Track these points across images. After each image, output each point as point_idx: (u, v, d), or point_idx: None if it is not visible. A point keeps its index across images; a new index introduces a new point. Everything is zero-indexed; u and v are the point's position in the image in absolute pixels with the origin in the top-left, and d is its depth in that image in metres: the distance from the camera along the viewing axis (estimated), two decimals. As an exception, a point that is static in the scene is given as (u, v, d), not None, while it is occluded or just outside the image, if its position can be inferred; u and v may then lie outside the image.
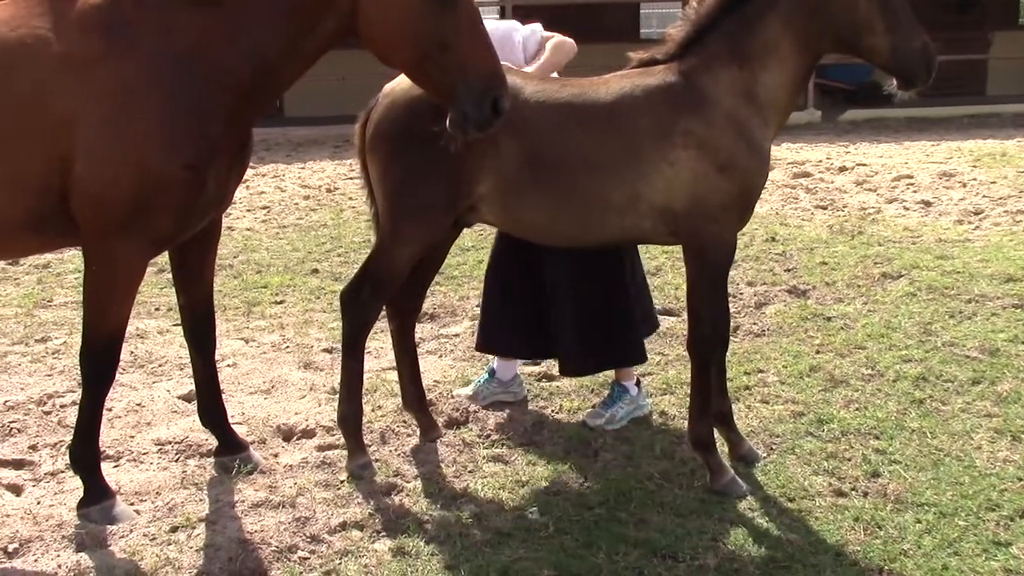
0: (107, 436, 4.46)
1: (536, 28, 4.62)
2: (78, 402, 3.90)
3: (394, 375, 4.78)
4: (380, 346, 5.39)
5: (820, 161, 11.58)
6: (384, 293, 4.09)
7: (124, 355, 5.40)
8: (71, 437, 3.90)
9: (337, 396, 4.31)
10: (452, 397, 4.89)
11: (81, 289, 3.76)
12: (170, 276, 4.50)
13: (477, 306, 6.39)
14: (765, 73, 3.85)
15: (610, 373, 4.81)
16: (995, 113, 15.50)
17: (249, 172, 11.31)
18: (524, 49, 4.53)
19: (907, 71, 3.85)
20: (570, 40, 4.56)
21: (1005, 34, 18.59)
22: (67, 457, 3.97)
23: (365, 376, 4.27)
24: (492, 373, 4.87)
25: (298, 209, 9.68)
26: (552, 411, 4.80)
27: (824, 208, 9.15)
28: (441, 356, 5.54)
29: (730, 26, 3.85)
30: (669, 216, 3.84)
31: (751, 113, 3.85)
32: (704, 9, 3.91)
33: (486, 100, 3.36)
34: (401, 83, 3.94)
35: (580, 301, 4.49)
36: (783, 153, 11.95)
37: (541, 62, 4.43)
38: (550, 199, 3.87)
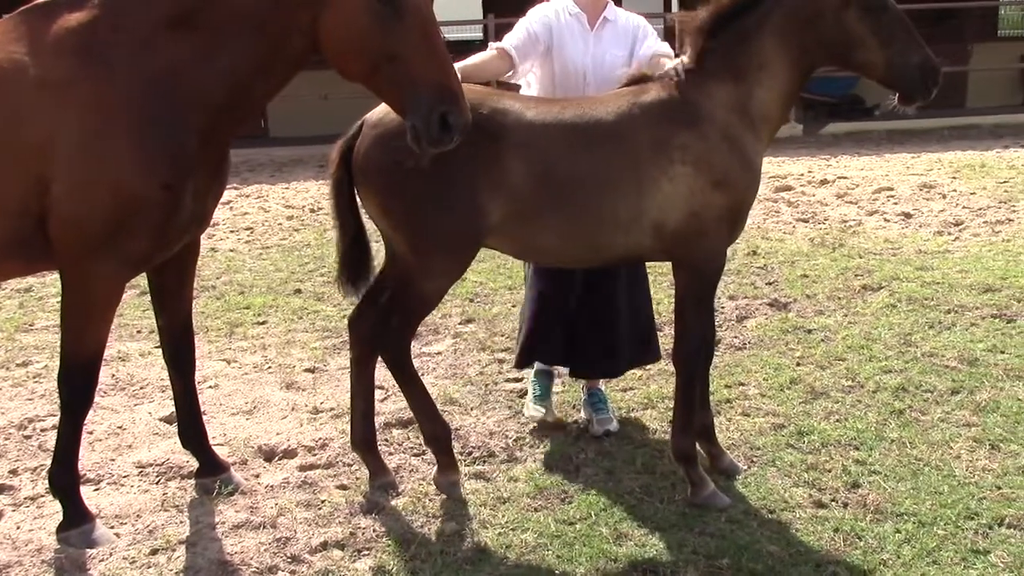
0: (88, 459, 4.46)
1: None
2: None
3: (378, 393, 4.77)
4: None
5: (802, 174, 11.65)
6: (415, 322, 4.04)
7: (106, 378, 5.42)
8: (50, 461, 3.89)
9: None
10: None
11: (62, 313, 3.76)
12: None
13: (460, 323, 6.43)
14: (759, 88, 3.86)
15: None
16: (975, 124, 15.63)
17: (232, 193, 11.43)
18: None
19: (904, 87, 3.84)
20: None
21: (984, 46, 18.74)
22: (46, 481, 3.96)
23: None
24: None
25: (281, 229, 9.68)
26: (533, 427, 4.80)
27: (806, 221, 9.21)
28: (423, 374, 5.52)
29: (724, 41, 3.87)
30: (665, 232, 3.84)
31: (745, 128, 3.87)
32: (696, 25, 3.92)
33: (434, 115, 3.33)
34: (388, 112, 3.78)
35: (616, 306, 4.58)
36: (765, 166, 11.87)
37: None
38: (562, 221, 3.83)
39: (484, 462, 4.44)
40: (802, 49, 3.86)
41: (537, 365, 4.81)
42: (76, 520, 3.81)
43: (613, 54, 4.40)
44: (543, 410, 4.78)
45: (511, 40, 4.34)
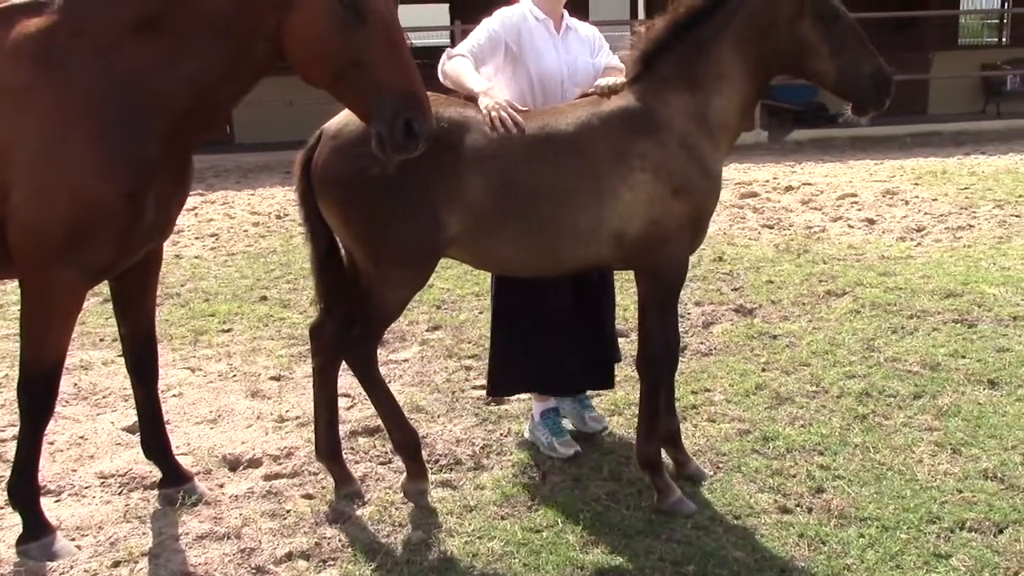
0: (49, 470, 4.40)
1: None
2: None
3: (344, 400, 4.74)
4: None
5: (767, 181, 11.76)
6: (379, 332, 4.02)
7: (67, 387, 5.35)
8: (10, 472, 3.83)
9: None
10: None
11: (22, 321, 3.70)
12: (113, 306, 4.45)
13: (427, 330, 6.41)
14: (716, 96, 3.88)
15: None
16: (936, 131, 15.87)
17: (198, 199, 11.35)
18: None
19: (856, 96, 3.86)
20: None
21: (945, 54, 19.03)
22: (6, 493, 3.90)
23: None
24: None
25: (247, 236, 9.61)
26: (500, 435, 4.80)
27: (771, 227, 9.28)
28: (389, 382, 5.49)
29: (680, 51, 3.90)
30: (626, 241, 3.85)
31: (703, 136, 3.89)
32: (653, 35, 3.96)
33: (398, 121, 3.31)
34: (347, 122, 3.79)
35: (592, 317, 4.55)
36: (731, 173, 12.10)
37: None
38: (522, 233, 3.83)
39: (451, 470, 4.43)
40: (758, 58, 3.88)
41: (541, 407, 4.64)
42: (36, 532, 3.75)
43: (584, 60, 4.39)
44: (575, 444, 4.58)
45: (468, 46, 4.24)
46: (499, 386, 4.67)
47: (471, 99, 3.97)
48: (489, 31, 4.29)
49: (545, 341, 4.46)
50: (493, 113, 3.81)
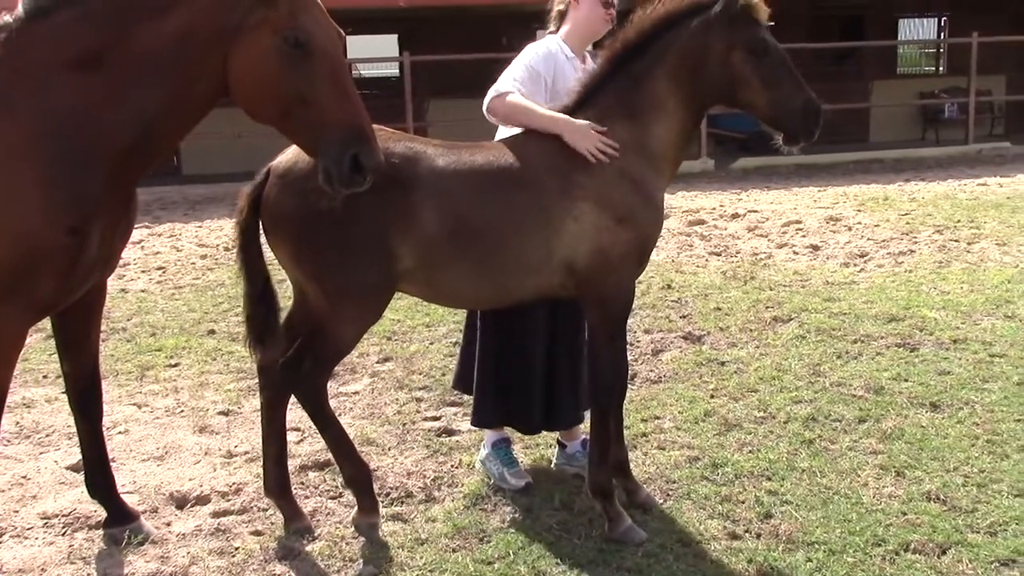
0: (-11, 512, 4.31)
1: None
2: (-44, 478, 3.75)
3: (294, 435, 4.70)
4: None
5: (714, 208, 11.92)
6: (330, 367, 3.98)
7: (9, 426, 5.25)
8: (-52, 515, 3.75)
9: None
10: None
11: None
12: (56, 343, 4.37)
13: (377, 362, 6.39)
14: (655, 126, 3.95)
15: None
16: (877, 159, 16.23)
17: (144, 232, 11.24)
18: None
19: (786, 127, 3.93)
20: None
21: (884, 83, 19.51)
22: (-56, 536, 3.81)
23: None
24: (562, 446, 4.74)
25: (195, 269, 9.52)
26: (452, 466, 4.79)
27: (718, 255, 9.41)
28: (340, 415, 5.46)
29: (619, 83, 3.97)
30: (573, 270, 3.89)
31: (644, 165, 3.95)
32: (593, 68, 4.03)
33: (345, 156, 3.32)
34: (296, 160, 3.78)
35: (567, 357, 4.49)
36: (678, 201, 12.26)
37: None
38: (473, 266, 3.85)
39: (402, 503, 4.41)
40: (692, 89, 3.96)
41: (493, 437, 4.61)
42: (-24, 576, 3.67)
43: None
44: (526, 475, 4.56)
45: (510, 83, 4.12)
46: (485, 415, 4.58)
47: (544, 132, 3.94)
48: (528, 67, 4.21)
49: (524, 377, 4.44)
50: (593, 150, 3.83)
